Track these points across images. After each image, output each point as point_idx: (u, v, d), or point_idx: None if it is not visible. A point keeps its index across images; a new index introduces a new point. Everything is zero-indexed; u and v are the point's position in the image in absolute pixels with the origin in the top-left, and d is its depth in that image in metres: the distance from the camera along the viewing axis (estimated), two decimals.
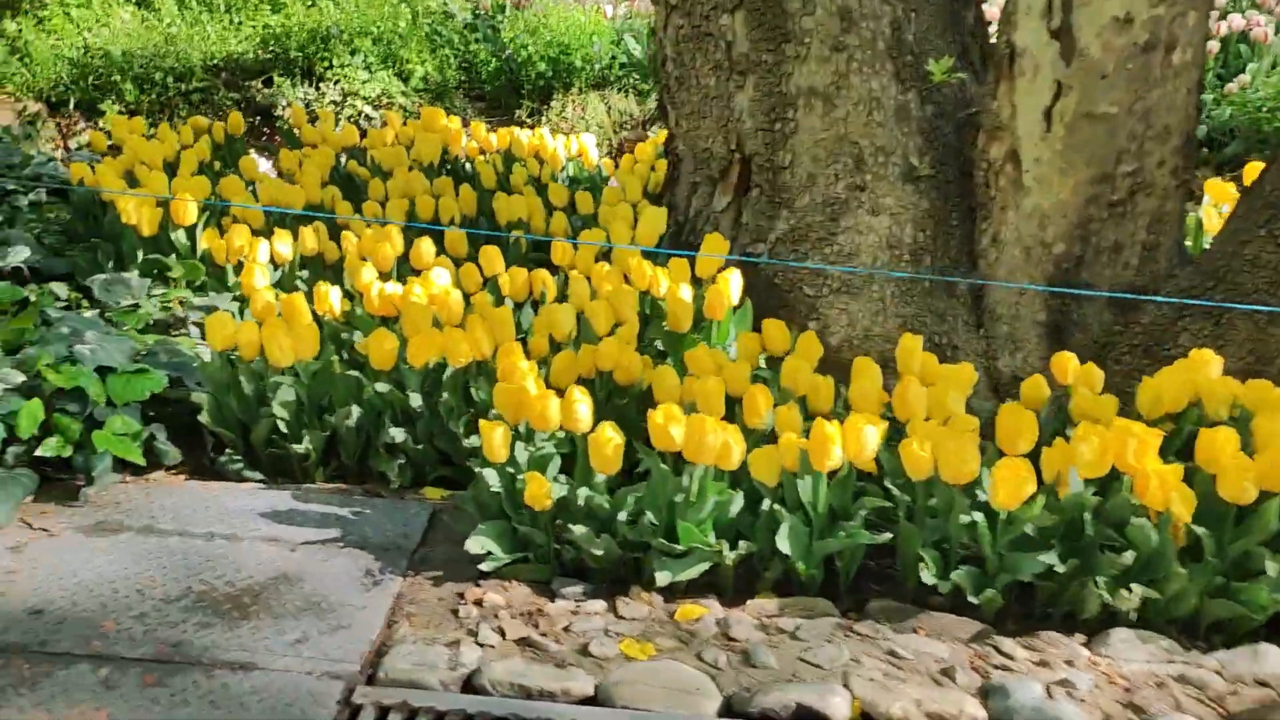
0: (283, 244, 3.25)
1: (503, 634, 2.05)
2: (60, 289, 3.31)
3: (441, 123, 4.56)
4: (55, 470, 2.47)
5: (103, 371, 2.49)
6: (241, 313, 3.01)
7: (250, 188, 3.87)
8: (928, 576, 2.09)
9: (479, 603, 2.15)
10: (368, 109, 5.75)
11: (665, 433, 2.18)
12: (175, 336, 2.98)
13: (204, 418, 2.58)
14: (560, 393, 2.29)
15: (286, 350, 2.54)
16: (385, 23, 6.03)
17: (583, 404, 2.22)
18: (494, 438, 2.24)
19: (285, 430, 2.56)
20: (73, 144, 5.82)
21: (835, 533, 2.17)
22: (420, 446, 2.57)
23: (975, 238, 3.17)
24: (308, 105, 5.62)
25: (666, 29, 3.57)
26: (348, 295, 2.92)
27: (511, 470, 2.27)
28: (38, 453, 2.39)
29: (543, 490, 2.17)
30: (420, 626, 2.06)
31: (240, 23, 6.28)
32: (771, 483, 2.21)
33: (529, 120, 5.89)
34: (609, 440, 2.17)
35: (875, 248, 3.19)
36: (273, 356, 2.54)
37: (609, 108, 5.97)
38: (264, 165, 4.54)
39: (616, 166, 4.55)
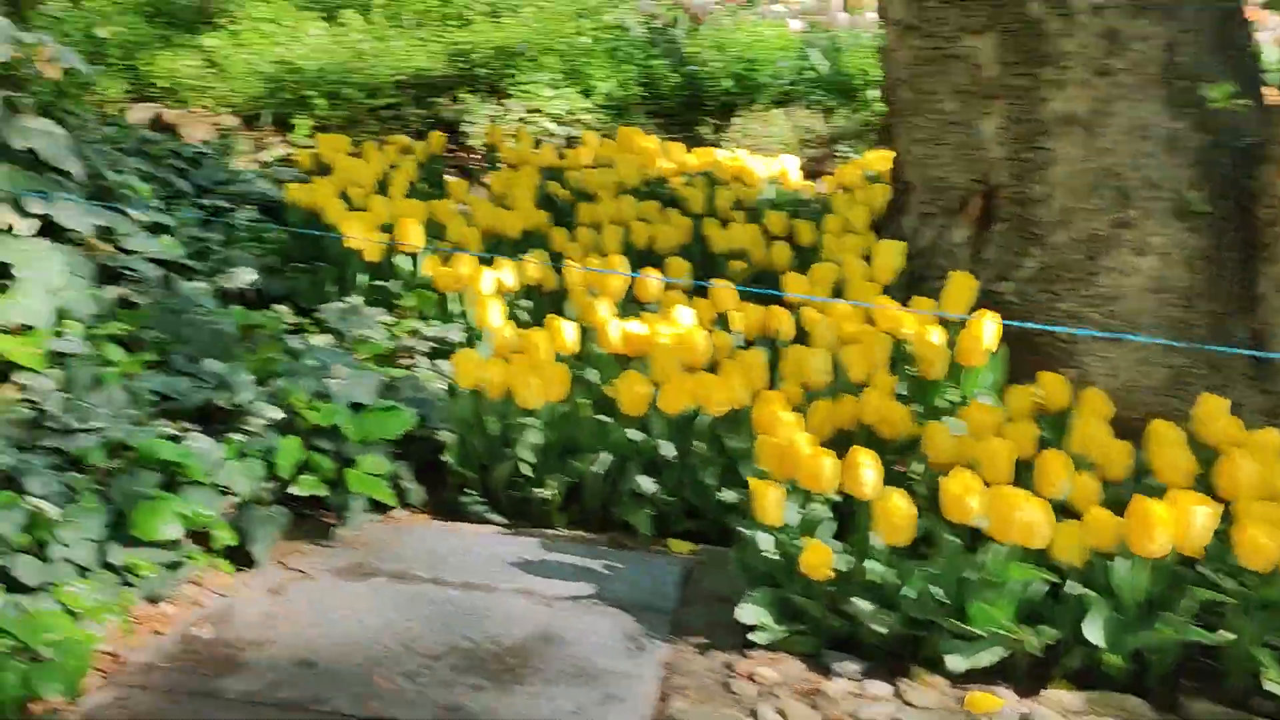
0: (504, 273, 3.19)
1: (784, 716, 1.90)
2: (284, 311, 3.33)
3: (640, 143, 4.47)
4: (302, 506, 2.44)
5: (353, 408, 2.45)
6: (470, 344, 2.95)
7: (461, 209, 3.83)
8: (1271, 684, 1.84)
9: (752, 677, 2.01)
10: (551, 125, 5.72)
11: (961, 503, 1.99)
12: (407, 369, 2.94)
13: (449, 457, 2.52)
14: (839, 450, 2.13)
15: (535, 391, 2.45)
16: (569, 39, 5.99)
17: (869, 469, 2.05)
18: (766, 498, 2.09)
19: (529, 473, 2.47)
20: (265, 158, 5.96)
21: (1151, 623, 1.94)
22: (670, 497, 2.45)
23: (1255, 281, 2.87)
24: (493, 122, 5.62)
25: (900, 50, 3.37)
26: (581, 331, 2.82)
27: (782, 534, 2.12)
28: (291, 490, 2.36)
29: (823, 559, 2.01)
30: (695, 702, 1.93)
31: (426, 39, 6.33)
32: (1076, 562, 2.00)
33: (712, 137, 5.75)
34: (899, 509, 2.00)
35: (1141, 290, 2.92)
36: (520, 397, 2.45)
37: (794, 125, 5.79)
38: None
39: (819, 189, 4.36)
